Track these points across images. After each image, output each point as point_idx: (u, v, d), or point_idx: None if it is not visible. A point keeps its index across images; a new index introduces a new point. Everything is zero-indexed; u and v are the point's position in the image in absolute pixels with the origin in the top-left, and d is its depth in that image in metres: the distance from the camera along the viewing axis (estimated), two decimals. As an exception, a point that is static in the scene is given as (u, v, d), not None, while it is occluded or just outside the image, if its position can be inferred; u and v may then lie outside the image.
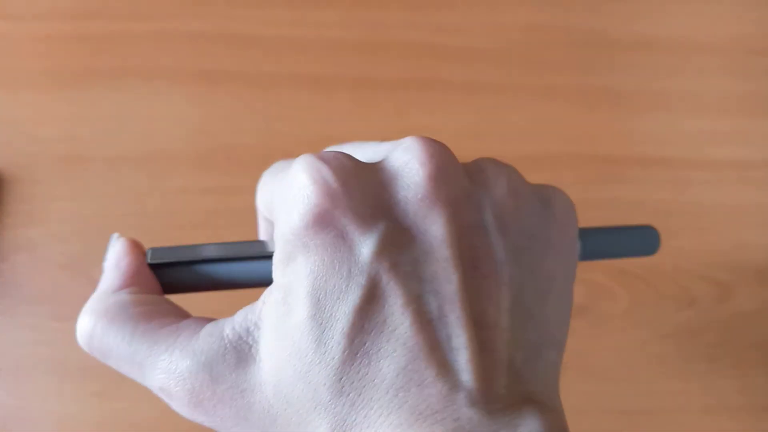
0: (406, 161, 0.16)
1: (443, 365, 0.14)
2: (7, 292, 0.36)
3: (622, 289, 0.38)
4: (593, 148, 0.41)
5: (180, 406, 0.16)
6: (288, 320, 0.15)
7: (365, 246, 0.15)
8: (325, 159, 0.15)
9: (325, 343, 0.14)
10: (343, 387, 0.14)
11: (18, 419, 0.34)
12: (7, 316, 0.36)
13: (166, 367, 0.16)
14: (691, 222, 0.40)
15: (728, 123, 0.42)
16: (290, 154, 0.20)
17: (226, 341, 0.16)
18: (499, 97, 0.42)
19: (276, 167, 0.18)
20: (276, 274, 0.16)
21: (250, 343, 0.16)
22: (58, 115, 0.39)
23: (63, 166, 0.38)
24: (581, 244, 0.20)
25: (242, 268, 0.18)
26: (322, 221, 0.15)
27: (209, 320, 0.17)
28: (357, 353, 0.14)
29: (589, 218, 0.40)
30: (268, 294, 0.16)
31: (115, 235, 0.19)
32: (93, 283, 0.36)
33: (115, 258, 0.19)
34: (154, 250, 0.18)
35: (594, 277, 0.38)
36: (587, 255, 0.21)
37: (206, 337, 0.16)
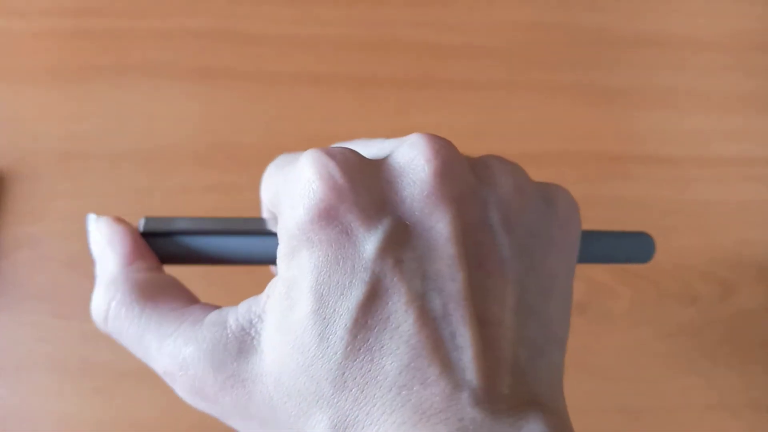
0: (411, 157, 0.16)
1: (447, 363, 0.14)
2: (7, 290, 0.36)
3: (624, 287, 0.38)
4: (595, 146, 0.41)
5: (182, 391, 0.16)
6: (291, 314, 0.15)
7: (369, 242, 0.15)
8: (331, 154, 0.15)
9: (328, 338, 0.14)
10: (345, 382, 0.14)
11: (18, 417, 0.34)
12: (8, 314, 0.36)
13: (170, 351, 0.16)
14: (693, 219, 0.40)
15: (731, 120, 0.42)
16: (292, 152, 0.20)
17: (229, 331, 0.16)
18: (501, 94, 0.42)
19: (282, 160, 0.18)
20: (280, 268, 0.16)
21: (253, 334, 0.16)
22: (60, 112, 0.39)
23: (64, 163, 0.38)
24: None
25: (238, 243, 0.18)
26: (328, 216, 0.15)
27: (215, 308, 0.17)
28: (360, 349, 0.14)
29: (591, 216, 0.39)
30: (273, 287, 0.16)
31: (93, 216, 0.19)
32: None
33: (106, 237, 0.18)
34: (148, 219, 0.18)
35: (595, 275, 0.38)
36: (580, 259, 0.20)
37: (210, 326, 0.16)
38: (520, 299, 0.16)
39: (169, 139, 0.39)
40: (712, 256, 0.39)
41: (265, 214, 0.22)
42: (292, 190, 0.15)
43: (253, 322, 0.16)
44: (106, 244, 0.18)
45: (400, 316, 0.14)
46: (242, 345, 0.16)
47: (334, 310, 0.15)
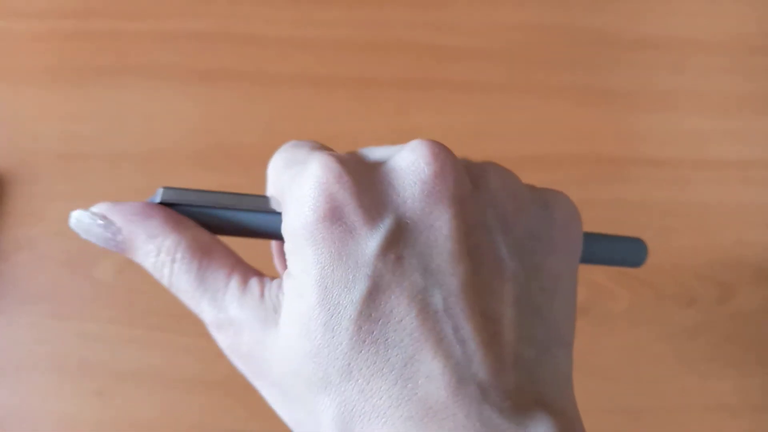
0: (412, 161, 0.16)
1: (450, 356, 0.15)
2: (7, 291, 0.36)
3: (623, 289, 0.38)
4: (595, 148, 0.41)
5: (222, 344, 0.18)
6: (299, 304, 0.16)
7: (372, 240, 0.15)
8: (338, 159, 0.16)
9: (333, 328, 0.15)
10: (351, 372, 0.15)
11: (18, 418, 0.34)
12: (7, 315, 0.36)
13: (218, 307, 0.17)
14: (691, 221, 0.40)
15: (730, 122, 0.42)
16: (300, 141, 0.20)
17: (261, 302, 0.17)
18: (500, 96, 0.42)
19: (290, 154, 0.18)
20: (289, 262, 0.17)
21: (276, 310, 0.17)
22: (59, 113, 0.39)
23: (64, 164, 0.38)
24: None
25: (246, 218, 0.19)
26: (332, 217, 0.15)
27: (256, 273, 0.18)
28: (365, 341, 0.15)
29: (590, 217, 0.40)
30: (287, 276, 0.17)
31: (104, 206, 0.19)
32: (93, 282, 0.36)
33: (137, 212, 0.19)
34: (166, 189, 0.19)
35: (594, 277, 0.38)
36: None
37: (249, 293, 0.17)
38: (521, 297, 0.16)
39: (169, 140, 0.39)
40: (710, 258, 0.39)
41: (269, 194, 0.23)
42: (299, 192, 0.16)
43: (276, 302, 0.17)
44: (144, 217, 0.19)
45: (403, 310, 0.15)
46: (268, 317, 0.17)
47: (338, 302, 0.15)
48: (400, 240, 0.16)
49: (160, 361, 0.35)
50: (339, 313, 0.15)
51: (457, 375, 0.15)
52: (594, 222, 0.39)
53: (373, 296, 0.15)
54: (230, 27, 0.42)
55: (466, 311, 0.15)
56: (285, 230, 0.17)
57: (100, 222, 0.19)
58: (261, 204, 0.19)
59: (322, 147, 0.18)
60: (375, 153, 0.18)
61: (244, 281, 0.17)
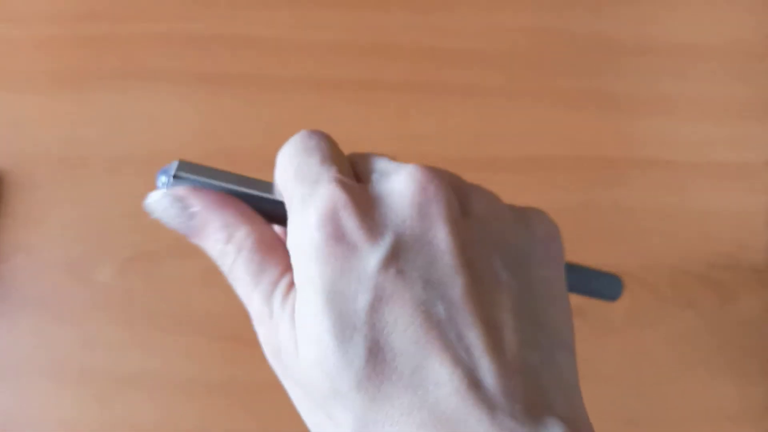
0: (408, 186, 0.18)
1: (457, 363, 0.15)
2: (6, 295, 0.36)
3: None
4: (595, 151, 0.41)
5: (261, 341, 0.19)
6: (306, 311, 0.17)
7: (374, 256, 0.16)
8: (345, 187, 0.17)
9: (339, 337, 0.16)
10: (360, 381, 0.16)
11: (17, 422, 0.34)
12: (7, 319, 0.36)
13: (261, 305, 0.18)
14: (691, 225, 0.40)
15: (729, 127, 0.43)
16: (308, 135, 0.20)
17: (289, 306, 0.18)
18: (500, 100, 0.42)
19: (302, 159, 0.19)
20: (296, 276, 0.18)
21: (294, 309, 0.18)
22: (60, 116, 0.39)
23: (64, 168, 0.38)
24: None
25: (250, 200, 0.20)
26: (336, 236, 0.17)
27: None
28: (372, 350, 0.16)
29: (590, 221, 0.40)
30: (298, 284, 0.17)
31: (186, 189, 0.20)
32: (93, 286, 0.36)
33: (215, 201, 0.20)
34: (182, 162, 0.20)
35: (594, 279, 0.39)
36: None
37: (293, 296, 0.18)
38: (518, 306, 0.17)
39: (169, 143, 0.39)
40: (710, 262, 0.39)
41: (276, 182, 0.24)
42: (307, 216, 0.17)
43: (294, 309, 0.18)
44: (218, 206, 0.20)
45: (407, 319, 0.16)
46: (293, 326, 0.17)
47: (342, 310, 0.16)
48: (400, 255, 0.16)
49: (160, 364, 0.35)
50: (344, 321, 0.16)
51: (465, 381, 0.15)
52: (592, 225, 0.40)
53: (376, 307, 0.16)
54: (231, 30, 0.42)
55: (468, 319, 0.16)
56: (291, 245, 0.18)
57: (179, 204, 0.20)
58: (266, 189, 0.20)
59: (331, 156, 0.19)
60: (377, 165, 0.20)
61: (293, 283, 0.18)
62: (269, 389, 0.35)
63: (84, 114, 0.40)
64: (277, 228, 0.21)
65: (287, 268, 0.19)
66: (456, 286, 0.16)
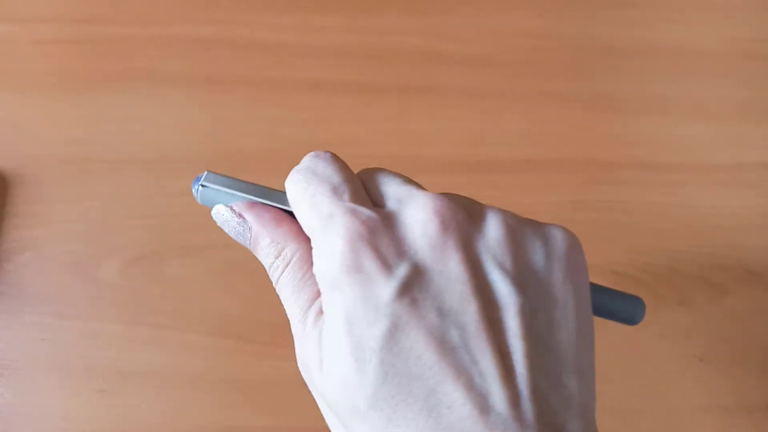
0: (419, 217, 0.18)
1: (470, 388, 0.16)
2: (11, 292, 0.36)
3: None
4: (590, 153, 0.42)
5: (296, 350, 0.20)
6: (331, 334, 0.18)
7: (389, 285, 0.17)
8: (360, 219, 0.18)
9: (358, 359, 0.17)
10: (377, 401, 0.16)
11: (22, 417, 0.34)
12: (12, 315, 0.36)
13: (298, 319, 0.20)
14: (684, 224, 0.41)
15: (722, 127, 0.43)
16: (294, 158, 0.21)
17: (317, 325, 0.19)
18: (497, 102, 0.42)
19: (314, 192, 0.20)
20: (323, 301, 0.19)
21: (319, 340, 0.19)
22: (64, 117, 0.40)
23: (68, 169, 0.39)
24: None
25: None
26: (356, 267, 0.18)
27: None
28: (388, 373, 0.16)
29: (585, 221, 0.40)
30: (324, 307, 0.19)
31: (244, 205, 0.22)
32: (96, 282, 0.36)
33: (271, 218, 0.21)
34: (209, 173, 0.22)
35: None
36: None
37: (320, 315, 0.19)
38: (529, 330, 0.18)
39: (173, 145, 0.40)
40: (703, 261, 0.40)
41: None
42: (328, 248, 0.18)
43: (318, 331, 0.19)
44: (272, 224, 0.21)
45: (422, 346, 0.17)
46: (320, 341, 0.18)
47: (362, 335, 0.17)
48: (414, 285, 0.17)
49: (164, 360, 0.36)
50: (363, 345, 0.17)
51: (478, 406, 0.16)
52: (589, 225, 0.40)
53: (393, 334, 0.17)
54: (233, 34, 0.42)
55: (481, 346, 0.17)
56: (316, 272, 0.19)
57: (237, 218, 0.21)
58: (282, 200, 0.21)
59: (342, 181, 0.20)
60: (391, 189, 0.20)
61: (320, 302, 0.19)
62: (272, 386, 0.36)
63: (88, 115, 0.40)
64: None
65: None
66: (468, 313, 0.17)
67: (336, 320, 0.17)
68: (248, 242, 0.21)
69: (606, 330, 0.38)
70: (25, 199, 0.38)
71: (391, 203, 0.20)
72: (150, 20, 0.42)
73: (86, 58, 0.41)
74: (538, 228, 0.20)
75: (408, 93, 0.42)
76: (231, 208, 0.21)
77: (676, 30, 0.45)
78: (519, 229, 0.19)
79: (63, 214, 0.38)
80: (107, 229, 0.38)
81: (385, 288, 0.17)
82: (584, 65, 0.44)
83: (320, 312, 0.19)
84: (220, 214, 0.22)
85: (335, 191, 0.19)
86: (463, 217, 0.19)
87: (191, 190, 0.22)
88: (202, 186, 0.22)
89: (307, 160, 0.20)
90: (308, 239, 0.20)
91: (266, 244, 0.21)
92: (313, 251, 0.19)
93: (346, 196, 0.19)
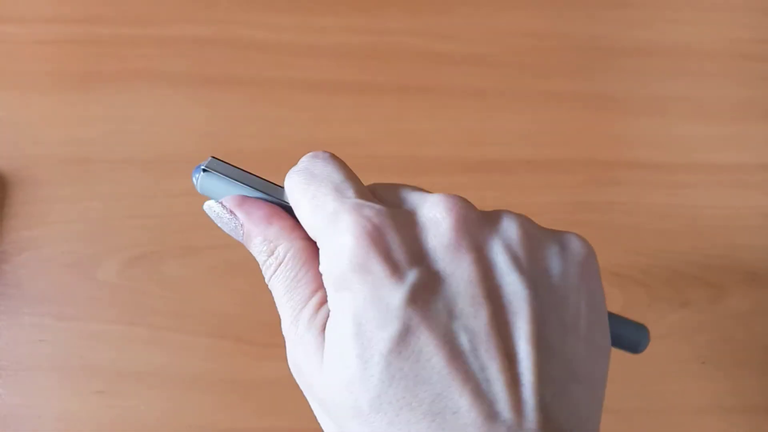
0: (433, 215, 0.18)
1: (477, 394, 0.16)
2: (10, 292, 0.36)
3: (617, 291, 0.39)
4: (589, 153, 0.42)
5: (288, 353, 0.19)
6: (337, 334, 0.17)
7: (402, 288, 0.17)
8: (369, 217, 0.18)
9: (365, 361, 0.16)
10: (381, 404, 0.16)
11: (20, 417, 0.34)
12: (11, 316, 0.36)
13: (290, 319, 0.19)
14: (684, 224, 0.41)
15: (722, 127, 0.43)
16: (294, 158, 0.21)
17: (323, 329, 0.19)
18: (496, 102, 0.42)
19: (315, 192, 0.19)
20: (330, 300, 0.18)
21: (322, 341, 0.18)
22: (63, 117, 0.40)
23: (67, 169, 0.39)
24: None
25: (266, 200, 0.21)
26: (367, 267, 0.17)
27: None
28: (395, 376, 0.16)
29: (585, 221, 0.40)
30: (330, 307, 0.18)
31: (235, 201, 0.21)
32: (96, 283, 0.36)
33: (263, 216, 0.21)
34: (213, 159, 0.22)
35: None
36: None
37: (320, 316, 0.19)
38: (540, 335, 0.17)
39: (171, 144, 0.40)
40: (703, 260, 0.40)
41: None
42: (336, 246, 0.18)
43: (323, 332, 0.18)
44: (263, 220, 0.21)
45: (432, 350, 0.16)
46: (318, 344, 0.18)
47: (371, 337, 0.16)
48: (426, 287, 0.17)
49: (163, 361, 0.36)
50: (371, 347, 0.16)
51: (484, 413, 0.16)
52: (589, 226, 0.40)
53: (403, 337, 0.16)
54: (232, 33, 0.42)
55: (490, 352, 0.16)
56: (324, 271, 0.18)
57: (228, 214, 0.21)
58: (280, 194, 0.21)
59: (343, 179, 0.19)
60: (402, 194, 0.20)
61: (321, 303, 0.19)
62: (271, 386, 0.36)
63: (88, 115, 0.40)
64: None
65: (320, 286, 0.19)
66: (479, 316, 0.17)
67: (343, 321, 0.17)
68: (242, 239, 0.21)
69: (606, 330, 0.39)
70: (25, 199, 0.38)
71: (403, 202, 0.19)
72: (150, 20, 0.42)
73: (86, 58, 0.41)
74: (554, 234, 0.20)
75: (408, 93, 0.42)
76: (222, 204, 0.21)
77: (676, 30, 0.45)
78: (535, 233, 0.19)
79: (62, 214, 0.38)
80: (106, 229, 0.38)
81: (397, 290, 0.17)
82: (584, 65, 0.44)
83: (316, 312, 0.19)
84: (212, 209, 0.21)
85: (337, 189, 0.19)
86: (477, 216, 0.18)
87: (192, 178, 0.22)
88: (204, 171, 0.21)
89: (305, 161, 0.20)
90: (303, 237, 0.20)
91: (258, 242, 0.20)
92: (320, 251, 0.18)
93: (350, 193, 0.19)
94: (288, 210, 0.21)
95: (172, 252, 0.38)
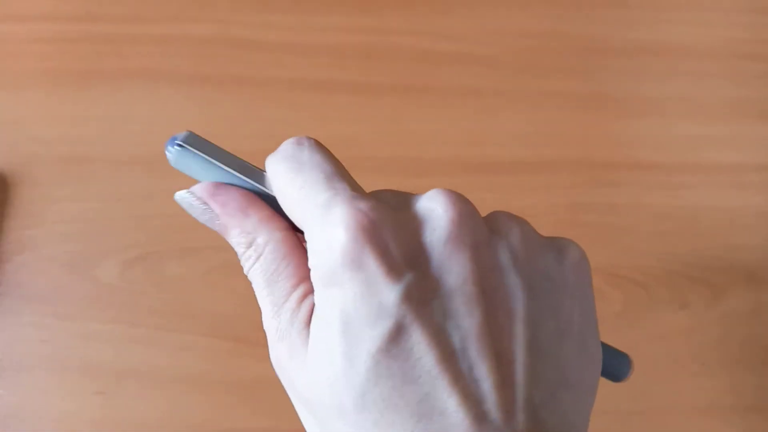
0: (431, 209, 0.17)
1: (466, 395, 0.15)
2: (9, 291, 0.36)
3: (616, 291, 0.39)
4: (587, 153, 0.42)
5: (269, 348, 0.19)
6: (324, 334, 0.17)
7: (397, 285, 0.16)
8: (362, 209, 0.17)
9: (351, 358, 0.16)
10: (366, 404, 0.16)
11: (19, 417, 0.34)
12: (10, 315, 0.36)
13: (271, 314, 0.19)
14: (683, 225, 0.41)
15: (720, 127, 0.43)
16: (297, 143, 0.20)
17: (307, 323, 0.18)
18: (494, 102, 0.42)
19: (306, 178, 0.18)
20: (317, 296, 0.17)
21: (305, 336, 0.18)
22: (61, 116, 0.40)
23: (65, 167, 0.39)
24: None
25: (244, 185, 0.20)
26: (360, 262, 0.16)
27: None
28: (382, 375, 0.16)
29: (585, 222, 0.40)
30: (316, 308, 0.18)
31: (207, 192, 0.20)
32: (95, 282, 0.36)
33: (238, 208, 0.19)
34: (190, 134, 0.20)
35: (588, 279, 0.39)
36: None
37: (302, 310, 0.18)
38: (533, 339, 0.17)
39: (171, 144, 0.40)
40: (702, 261, 0.40)
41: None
42: (326, 236, 0.17)
43: (307, 327, 0.18)
44: (238, 211, 0.20)
45: (423, 349, 0.16)
46: (305, 341, 0.17)
47: (359, 335, 0.16)
48: (422, 284, 0.16)
49: (162, 361, 0.36)
50: (359, 345, 0.16)
51: (472, 413, 0.15)
52: (588, 227, 0.40)
53: (395, 335, 0.16)
54: (230, 33, 0.42)
55: (481, 352, 0.16)
56: (312, 266, 0.17)
57: (201, 205, 0.20)
58: (261, 180, 0.20)
59: (333, 168, 0.18)
60: (398, 197, 0.19)
61: (304, 296, 0.18)
62: (270, 387, 0.36)
63: (85, 113, 0.40)
64: None
65: (302, 278, 0.18)
66: (472, 316, 0.16)
67: (330, 317, 0.16)
68: (220, 230, 0.20)
69: (605, 331, 0.38)
70: (23, 199, 0.38)
71: (399, 205, 0.19)
72: (149, 19, 0.42)
73: (85, 57, 0.41)
74: (551, 239, 0.20)
75: (407, 93, 0.42)
76: (193, 194, 0.20)
77: (675, 30, 0.45)
78: (533, 236, 0.19)
79: (62, 213, 0.38)
80: (106, 229, 0.38)
81: (393, 288, 0.16)
82: (583, 65, 0.44)
83: (298, 306, 0.18)
84: (184, 199, 0.20)
85: (329, 180, 0.18)
86: (477, 214, 0.18)
87: (165, 150, 0.20)
88: (179, 146, 0.19)
89: (290, 148, 0.19)
90: (283, 227, 0.19)
91: (236, 233, 0.19)
92: (308, 245, 0.17)
93: (343, 185, 0.17)
94: (266, 197, 0.20)
95: (171, 252, 0.38)
